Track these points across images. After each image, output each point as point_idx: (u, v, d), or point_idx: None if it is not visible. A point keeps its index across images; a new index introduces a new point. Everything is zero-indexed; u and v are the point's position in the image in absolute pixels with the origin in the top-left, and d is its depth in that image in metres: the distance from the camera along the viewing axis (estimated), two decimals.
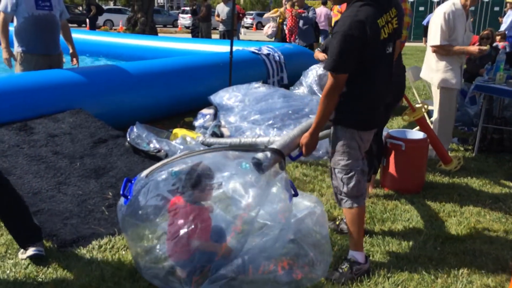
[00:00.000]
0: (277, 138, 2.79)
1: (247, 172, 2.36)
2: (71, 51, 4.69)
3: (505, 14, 11.36)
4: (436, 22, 4.04)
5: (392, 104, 2.55)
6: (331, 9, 9.97)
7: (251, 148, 2.42)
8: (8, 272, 2.39)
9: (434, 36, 4.04)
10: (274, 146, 2.45)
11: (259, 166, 2.32)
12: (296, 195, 2.52)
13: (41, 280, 2.34)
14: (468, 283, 2.42)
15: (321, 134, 3.14)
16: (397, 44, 2.59)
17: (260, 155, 2.35)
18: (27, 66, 4.38)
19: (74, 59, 4.71)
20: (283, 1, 10.01)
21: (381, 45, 2.30)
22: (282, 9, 9.72)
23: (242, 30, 20.93)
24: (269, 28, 9.54)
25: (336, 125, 2.43)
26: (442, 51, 4.06)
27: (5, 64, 4.38)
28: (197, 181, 2.27)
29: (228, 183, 2.37)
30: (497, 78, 4.49)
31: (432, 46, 4.08)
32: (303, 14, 8.37)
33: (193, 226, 2.26)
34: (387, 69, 2.41)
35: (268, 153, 2.37)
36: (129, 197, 2.28)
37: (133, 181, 2.35)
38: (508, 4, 10.54)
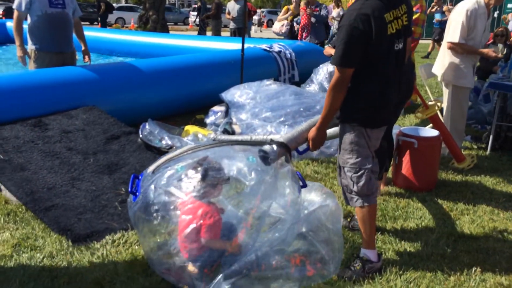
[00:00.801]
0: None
1: (254, 165, 2.37)
2: (83, 48, 4.74)
3: None
4: (456, 19, 3.97)
5: (402, 101, 2.53)
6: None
7: (258, 142, 2.43)
8: (23, 265, 2.43)
9: (453, 33, 3.98)
10: (280, 139, 2.46)
11: (265, 158, 2.34)
12: (304, 186, 2.53)
13: (55, 273, 2.37)
14: (481, 281, 2.41)
15: (329, 133, 3.15)
16: (408, 42, 2.57)
17: (266, 148, 2.37)
18: (41, 63, 4.44)
19: (86, 56, 4.75)
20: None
21: (389, 40, 2.27)
22: (291, 6, 9.69)
23: (253, 27, 20.92)
24: (283, 26, 9.50)
25: (344, 123, 2.41)
26: (459, 49, 4.01)
27: (19, 61, 4.44)
28: (206, 177, 2.28)
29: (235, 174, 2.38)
30: None
31: (449, 43, 4.02)
32: (316, 13, 8.35)
33: (203, 223, 2.27)
34: (397, 66, 2.37)
35: (274, 146, 2.38)
36: (137, 193, 2.30)
37: (140, 178, 2.37)
38: None
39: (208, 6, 13.03)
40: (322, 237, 2.53)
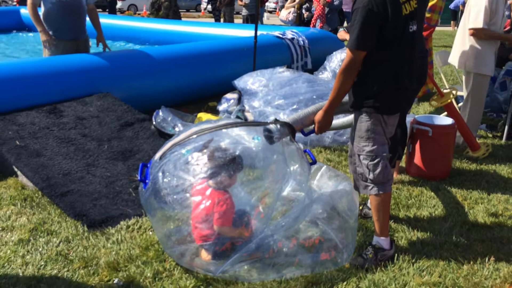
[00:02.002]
0: None
1: (261, 145, 2.39)
2: (98, 35, 4.74)
3: None
4: (478, 4, 3.85)
5: (416, 88, 2.50)
6: None
7: (262, 123, 2.44)
8: (40, 249, 2.48)
9: (476, 19, 3.85)
10: (286, 120, 2.46)
11: (270, 138, 2.37)
12: (314, 162, 2.54)
13: (72, 258, 2.42)
14: (494, 270, 2.40)
15: (338, 123, 3.13)
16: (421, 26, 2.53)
17: (271, 127, 2.39)
18: (55, 50, 4.47)
19: (104, 45, 4.74)
20: None
21: (403, 22, 2.25)
22: None
23: (266, 14, 20.74)
24: (290, 13, 9.43)
25: (360, 109, 2.39)
26: (482, 34, 3.88)
27: (45, 46, 4.44)
28: (213, 158, 2.29)
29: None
30: None
31: (473, 29, 3.88)
32: (329, 3, 8.32)
33: (216, 210, 2.29)
34: (412, 48, 2.34)
35: (278, 125, 2.39)
36: (146, 181, 2.32)
37: (148, 166, 2.40)
38: None
39: None
40: (337, 224, 2.54)
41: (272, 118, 2.51)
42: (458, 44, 4.10)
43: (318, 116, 2.48)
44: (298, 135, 2.82)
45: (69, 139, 3.49)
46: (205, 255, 2.39)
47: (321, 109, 2.50)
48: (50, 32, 4.44)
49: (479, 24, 3.83)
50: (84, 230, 2.68)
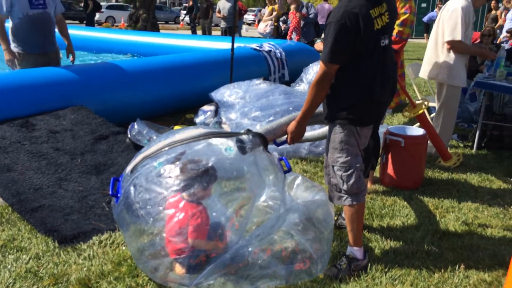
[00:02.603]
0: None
1: (232, 156, 2.40)
2: (67, 46, 4.67)
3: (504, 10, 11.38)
4: (453, 17, 3.90)
5: (387, 100, 2.56)
6: None
7: (234, 134, 2.45)
8: (9, 267, 2.42)
9: (453, 32, 3.88)
10: (259, 131, 2.48)
11: (242, 148, 2.37)
12: (289, 170, 2.56)
13: (41, 275, 2.36)
14: (464, 278, 2.44)
15: (311, 135, 3.17)
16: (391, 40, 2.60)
17: (243, 137, 2.40)
18: (26, 65, 4.39)
19: (71, 55, 4.70)
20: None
21: (375, 36, 2.30)
22: (276, 6, 9.76)
23: (244, 26, 20.91)
24: (268, 26, 9.55)
25: (333, 121, 2.43)
26: (459, 47, 3.92)
27: (8, 65, 4.39)
28: (186, 171, 2.28)
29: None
30: (498, 75, 4.49)
31: (451, 42, 3.92)
32: (305, 17, 8.50)
33: (190, 224, 2.28)
34: (384, 61, 2.39)
35: (251, 136, 2.40)
36: (118, 195, 2.30)
37: (120, 179, 2.37)
38: (508, 1, 10.52)
39: (199, 5, 13.03)
40: (311, 235, 2.55)
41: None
42: (430, 57, 4.18)
43: (291, 127, 2.51)
44: (273, 146, 2.84)
45: (41, 153, 3.44)
46: (179, 269, 2.36)
47: (294, 120, 2.53)
48: (20, 48, 4.36)
49: (458, 36, 3.88)
50: (55, 246, 2.62)
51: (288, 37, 8.93)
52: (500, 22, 11.81)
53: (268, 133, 2.54)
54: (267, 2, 10.30)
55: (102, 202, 3.04)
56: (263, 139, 2.49)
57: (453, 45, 3.93)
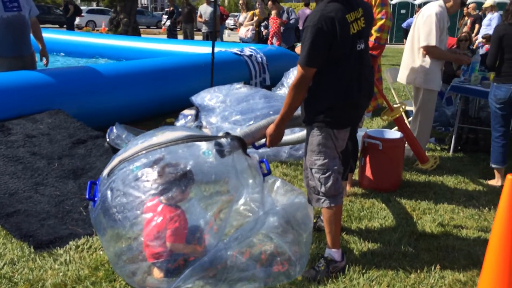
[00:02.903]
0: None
1: (210, 159, 2.39)
2: (41, 49, 4.60)
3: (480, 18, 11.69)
4: (427, 22, 3.96)
5: (365, 103, 2.60)
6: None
7: (212, 137, 2.45)
8: None
9: (428, 37, 3.94)
10: (237, 134, 2.49)
11: (221, 152, 2.38)
12: (269, 173, 2.56)
13: (16, 280, 2.32)
14: (440, 278, 2.48)
15: (291, 139, 3.19)
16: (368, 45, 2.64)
17: (221, 140, 2.40)
18: (0, 68, 4.31)
19: (45, 58, 4.62)
20: (257, 4, 10.12)
21: (351, 40, 2.34)
22: (257, 11, 9.82)
23: (226, 31, 20.95)
24: (249, 31, 9.60)
25: (311, 124, 2.45)
26: (434, 53, 4.00)
27: None
28: (164, 174, 2.27)
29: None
30: (472, 79, 4.60)
31: (426, 47, 3.98)
32: (285, 23, 8.58)
33: (168, 227, 2.27)
34: (360, 65, 2.42)
35: (229, 139, 2.41)
36: (95, 199, 2.28)
37: (97, 183, 2.35)
38: (488, 8, 10.80)
39: (180, 9, 13.02)
40: (290, 238, 2.56)
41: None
42: (406, 62, 4.25)
43: (269, 130, 2.53)
44: (252, 149, 2.85)
45: (17, 157, 3.38)
46: (157, 273, 2.35)
47: (272, 123, 2.54)
48: None
49: (432, 42, 3.94)
50: (31, 251, 2.58)
51: (269, 42, 9.00)
52: (465, 28, 12.14)
53: (247, 136, 2.55)
54: (240, 8, 10.34)
55: (79, 206, 3.01)
56: (241, 142, 2.49)
57: (428, 50, 4.00)
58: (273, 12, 8.85)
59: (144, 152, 2.30)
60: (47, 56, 4.65)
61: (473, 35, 12.82)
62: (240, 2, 10.22)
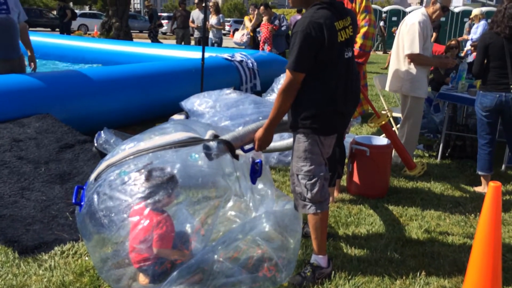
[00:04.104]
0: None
1: (197, 163, 2.39)
2: (29, 54, 4.55)
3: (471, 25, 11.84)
4: (411, 31, 4.03)
5: (351, 110, 2.62)
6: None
7: (200, 140, 2.43)
8: None
9: (411, 45, 4.01)
10: (225, 137, 2.48)
11: (209, 155, 2.36)
12: (260, 175, 2.54)
13: (0, 286, 2.30)
14: (425, 285, 2.50)
15: (280, 145, 3.20)
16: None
17: (209, 144, 2.39)
18: None
19: (32, 63, 4.56)
20: (250, 10, 10.18)
21: (339, 48, 2.36)
22: (251, 16, 9.88)
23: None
24: (244, 35, 9.63)
25: (297, 130, 2.47)
26: (418, 60, 4.05)
27: None
28: (151, 178, 2.27)
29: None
30: (459, 87, 4.65)
31: (410, 55, 4.05)
32: (276, 29, 8.64)
33: (155, 232, 2.26)
34: (347, 73, 2.45)
35: (217, 143, 2.40)
36: (82, 203, 2.27)
37: (84, 188, 2.35)
38: (476, 16, 10.96)
39: (161, 14, 13.01)
40: (278, 244, 2.56)
41: (210, 133, 2.48)
42: (393, 70, 4.31)
43: (258, 134, 2.52)
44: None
45: (3, 162, 3.35)
46: (142, 279, 2.34)
47: (261, 127, 2.55)
48: None
49: (416, 50, 4.00)
50: (15, 256, 2.56)
51: (260, 48, 9.04)
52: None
53: (235, 140, 2.54)
54: (210, 11, 10.32)
55: (65, 212, 2.99)
56: (229, 146, 2.49)
57: (412, 58, 4.07)
58: (264, 18, 8.90)
59: (132, 157, 2.30)
60: (35, 61, 4.60)
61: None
62: (210, 4, 10.25)
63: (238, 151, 2.56)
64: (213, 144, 2.42)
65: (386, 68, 13.53)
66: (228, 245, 2.43)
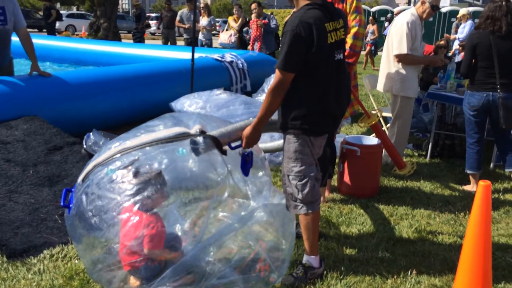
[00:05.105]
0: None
1: (185, 158, 2.36)
2: (32, 64, 4.33)
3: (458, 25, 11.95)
4: (399, 31, 4.07)
5: (342, 111, 2.62)
6: None
7: (187, 136, 2.41)
8: None
9: (399, 45, 4.05)
10: (213, 133, 2.46)
11: (196, 150, 2.34)
12: (251, 165, 2.51)
13: None
14: (416, 283, 2.51)
15: (271, 146, 3.19)
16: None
17: (197, 139, 2.36)
18: None
19: (36, 72, 4.40)
20: (234, 10, 10.15)
21: (329, 49, 2.36)
22: (235, 17, 9.86)
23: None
24: (232, 36, 9.60)
25: (287, 131, 2.46)
26: (407, 60, 4.09)
27: None
28: (138, 174, 2.25)
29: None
30: (448, 86, 4.69)
31: (398, 55, 4.09)
32: (265, 24, 8.57)
33: (146, 234, 2.24)
34: (337, 75, 2.45)
35: (204, 138, 2.38)
36: (70, 206, 2.24)
37: (73, 190, 2.32)
38: (463, 16, 11.07)
39: (149, 14, 12.89)
40: (269, 245, 2.56)
41: (196, 127, 2.42)
42: (383, 70, 4.34)
43: (246, 132, 2.50)
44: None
45: None
46: (133, 281, 2.32)
47: (249, 125, 2.53)
48: None
49: (403, 50, 4.05)
50: (3, 260, 2.52)
51: (250, 47, 9.00)
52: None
53: (223, 136, 2.51)
54: (201, 12, 10.29)
55: (54, 214, 2.95)
56: (216, 142, 2.46)
57: (401, 58, 4.10)
58: (253, 15, 8.86)
59: (119, 155, 2.28)
60: (40, 71, 4.41)
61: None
62: (202, 5, 10.22)
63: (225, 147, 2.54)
64: (200, 139, 2.39)
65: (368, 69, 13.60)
66: (225, 235, 2.40)
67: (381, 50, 5.09)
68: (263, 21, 8.65)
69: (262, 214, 2.52)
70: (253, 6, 8.88)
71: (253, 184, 2.70)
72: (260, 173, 2.73)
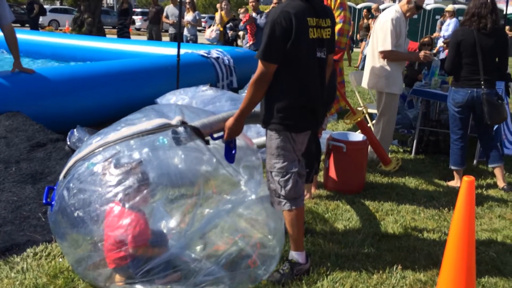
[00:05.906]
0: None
1: (166, 148, 2.34)
2: (14, 61, 4.23)
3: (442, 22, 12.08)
4: (384, 28, 4.09)
5: (325, 108, 2.62)
6: None
7: (168, 127, 2.38)
8: None
9: (384, 42, 4.07)
10: (195, 123, 2.44)
11: (177, 139, 2.32)
12: (235, 151, 2.48)
13: None
14: (401, 278, 2.54)
15: (256, 142, 3.17)
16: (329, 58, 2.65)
17: (178, 129, 2.34)
18: None
19: (18, 69, 4.31)
20: (223, 4, 10.08)
21: (310, 44, 2.36)
22: (223, 13, 9.81)
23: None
24: (213, 31, 9.56)
25: (269, 127, 2.46)
26: (391, 56, 4.12)
27: None
28: (119, 165, 2.23)
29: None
30: (432, 83, 4.74)
31: (382, 52, 4.11)
32: (257, 18, 8.52)
33: (129, 232, 2.22)
34: (319, 73, 2.45)
35: (184, 128, 2.36)
36: (52, 203, 2.21)
37: (55, 188, 2.29)
38: (447, 13, 11.19)
39: (134, 10, 12.73)
40: (255, 240, 2.55)
41: (177, 118, 2.38)
42: (369, 67, 4.35)
43: (228, 123, 2.48)
44: None
45: None
46: (118, 279, 2.30)
47: (232, 116, 2.52)
48: None
49: (388, 47, 4.07)
50: None
51: (249, 40, 8.89)
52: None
53: (205, 127, 2.49)
54: (186, 7, 10.21)
55: (38, 212, 2.91)
56: (198, 132, 2.44)
57: (385, 55, 4.12)
58: (242, 10, 8.80)
59: (100, 149, 2.25)
60: (22, 69, 4.32)
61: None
62: (187, 0, 10.14)
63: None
64: (181, 129, 2.37)
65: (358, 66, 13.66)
66: (217, 218, 2.39)
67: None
68: (256, 13, 8.50)
69: (253, 199, 2.50)
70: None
71: (245, 168, 2.66)
72: (253, 158, 2.70)
